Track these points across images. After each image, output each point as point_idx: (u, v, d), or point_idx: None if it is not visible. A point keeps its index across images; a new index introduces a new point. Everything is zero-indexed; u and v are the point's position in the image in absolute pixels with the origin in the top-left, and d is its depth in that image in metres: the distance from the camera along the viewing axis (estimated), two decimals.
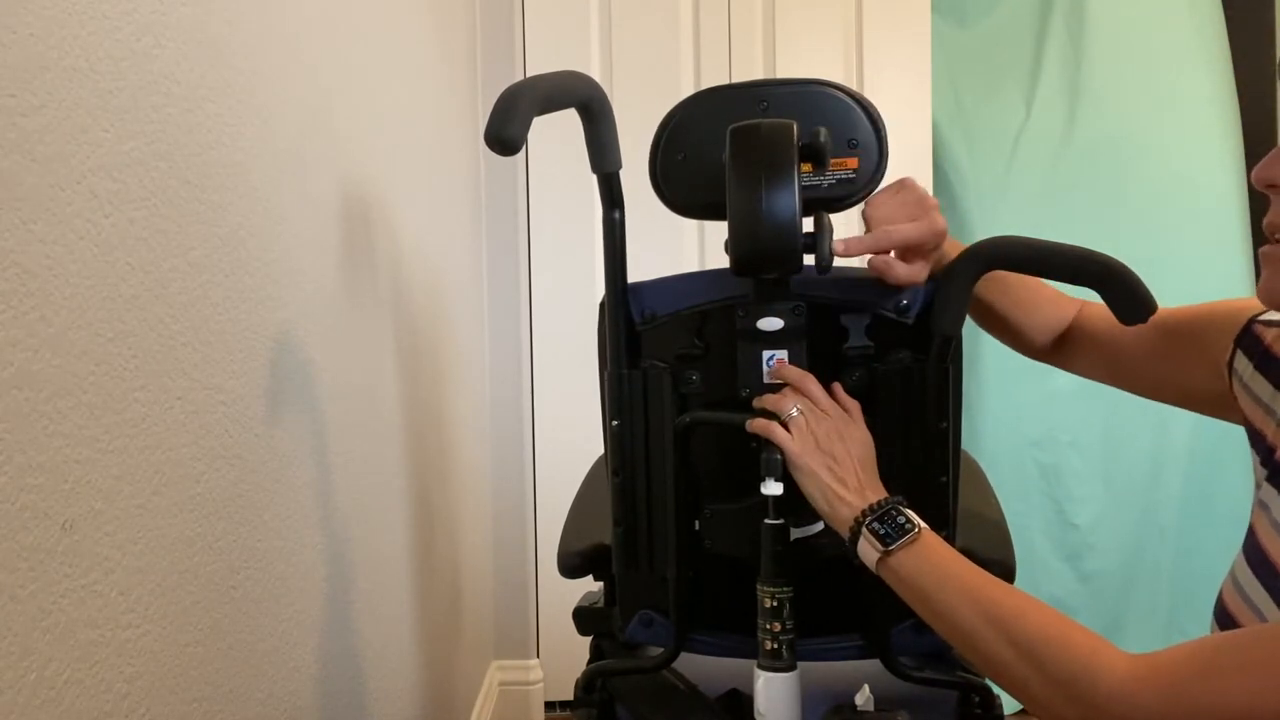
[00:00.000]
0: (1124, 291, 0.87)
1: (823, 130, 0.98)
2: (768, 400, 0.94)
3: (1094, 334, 1.06)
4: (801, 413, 0.92)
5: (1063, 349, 1.10)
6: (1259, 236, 0.82)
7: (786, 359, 0.96)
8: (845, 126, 0.99)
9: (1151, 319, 0.86)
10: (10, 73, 0.58)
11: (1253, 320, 0.90)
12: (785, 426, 0.92)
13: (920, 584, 0.84)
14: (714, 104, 1.00)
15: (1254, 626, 0.76)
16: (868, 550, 0.86)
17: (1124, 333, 0.99)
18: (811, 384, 0.94)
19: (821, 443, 0.90)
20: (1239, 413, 0.91)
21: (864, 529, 0.86)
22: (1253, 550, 0.80)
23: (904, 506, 0.88)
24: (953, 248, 0.99)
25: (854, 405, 0.95)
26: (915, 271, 0.96)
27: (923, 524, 0.86)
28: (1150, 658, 0.73)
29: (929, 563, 0.84)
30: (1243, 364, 0.89)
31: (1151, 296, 0.87)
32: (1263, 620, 0.76)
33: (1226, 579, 0.83)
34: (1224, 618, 0.82)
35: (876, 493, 0.89)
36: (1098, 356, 1.06)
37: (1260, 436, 0.86)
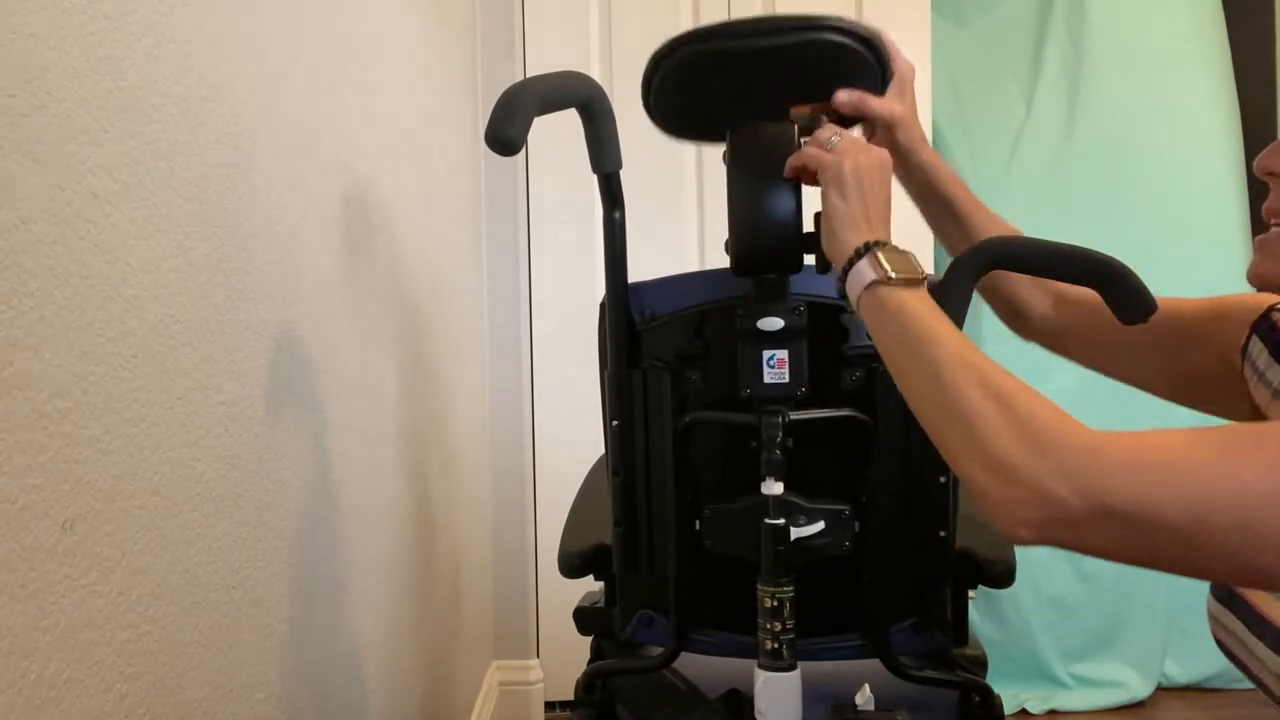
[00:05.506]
0: (1124, 291, 0.87)
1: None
2: (807, 150, 0.90)
3: (1089, 306, 1.01)
4: (842, 138, 0.89)
5: (1055, 325, 1.06)
6: (1258, 233, 0.82)
7: (786, 359, 0.96)
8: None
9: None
10: (10, 73, 0.58)
11: (1271, 309, 0.88)
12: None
13: (879, 333, 0.80)
14: (711, 52, 0.99)
15: (1251, 423, 0.72)
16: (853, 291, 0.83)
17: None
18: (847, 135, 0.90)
19: (856, 169, 0.86)
20: (1245, 400, 0.90)
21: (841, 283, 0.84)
22: None
23: (867, 257, 0.82)
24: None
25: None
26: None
27: (880, 275, 0.80)
28: (1136, 433, 0.67)
29: (885, 311, 0.79)
30: (1258, 350, 0.88)
31: (1152, 296, 0.87)
32: (1274, 594, 0.75)
33: None
34: (1225, 595, 0.82)
35: (873, 233, 0.84)
36: (1089, 336, 1.02)
37: None
